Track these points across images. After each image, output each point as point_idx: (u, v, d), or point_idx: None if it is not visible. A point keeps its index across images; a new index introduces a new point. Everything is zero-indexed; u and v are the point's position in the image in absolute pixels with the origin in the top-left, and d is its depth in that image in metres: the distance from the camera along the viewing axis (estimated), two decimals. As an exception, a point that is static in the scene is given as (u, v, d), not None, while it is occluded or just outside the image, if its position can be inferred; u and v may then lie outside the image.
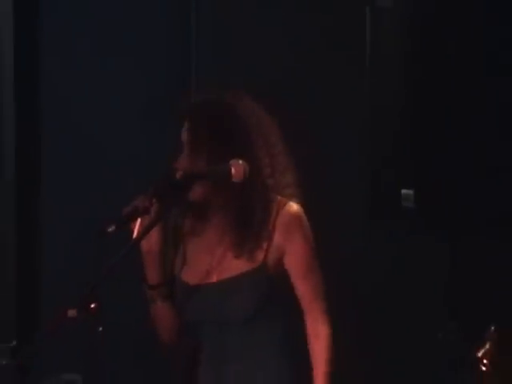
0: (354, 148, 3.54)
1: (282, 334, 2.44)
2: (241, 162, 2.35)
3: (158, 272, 2.41)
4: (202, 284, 2.43)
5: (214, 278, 2.43)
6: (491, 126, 3.28)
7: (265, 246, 2.40)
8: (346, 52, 3.54)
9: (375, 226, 3.48)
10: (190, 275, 2.45)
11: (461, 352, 2.86)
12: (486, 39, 3.27)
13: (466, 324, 3.15)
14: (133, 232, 2.29)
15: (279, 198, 2.43)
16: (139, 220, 2.29)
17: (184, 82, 3.72)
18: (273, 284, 2.40)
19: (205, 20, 3.75)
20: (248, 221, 2.39)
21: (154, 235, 2.36)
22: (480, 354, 2.63)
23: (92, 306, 2.05)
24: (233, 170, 2.34)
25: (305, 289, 2.41)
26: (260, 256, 2.40)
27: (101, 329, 2.06)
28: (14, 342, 2.49)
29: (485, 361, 2.63)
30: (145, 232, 2.27)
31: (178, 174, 2.41)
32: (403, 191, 3.33)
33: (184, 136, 2.43)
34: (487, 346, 2.64)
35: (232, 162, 2.35)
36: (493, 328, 2.67)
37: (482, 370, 2.64)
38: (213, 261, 2.44)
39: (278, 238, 2.40)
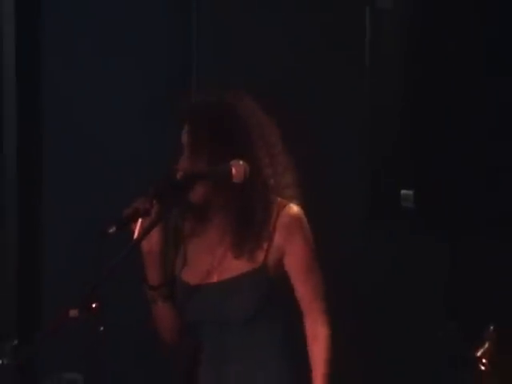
0: (353, 148, 3.53)
1: (282, 335, 2.44)
2: (241, 162, 2.35)
3: (158, 273, 2.42)
4: (202, 284, 2.44)
5: (215, 279, 2.43)
6: (491, 126, 3.28)
7: (265, 246, 2.41)
8: (345, 52, 3.53)
9: (375, 226, 3.47)
10: (191, 275, 2.46)
11: (460, 351, 2.86)
12: (485, 39, 3.26)
13: (465, 324, 3.15)
14: (133, 233, 2.29)
15: (280, 199, 2.43)
16: (140, 220, 2.29)
17: (185, 82, 3.72)
18: (273, 285, 2.41)
19: (205, 20, 3.75)
20: (248, 221, 2.40)
21: (155, 236, 2.37)
22: (479, 354, 2.64)
23: (93, 305, 2.05)
24: (233, 171, 2.35)
25: (304, 290, 2.42)
26: (260, 257, 2.40)
27: (102, 328, 2.06)
28: (15, 342, 2.50)
29: (484, 360, 2.63)
30: (145, 232, 2.28)
31: (179, 175, 2.41)
32: (403, 191, 3.33)
33: (184, 138, 2.44)
34: (486, 346, 2.64)
35: (232, 162, 2.35)
36: (492, 327, 2.67)
37: (481, 370, 2.64)
38: (213, 261, 2.45)
39: (278, 239, 2.41)
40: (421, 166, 3.34)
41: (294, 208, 2.43)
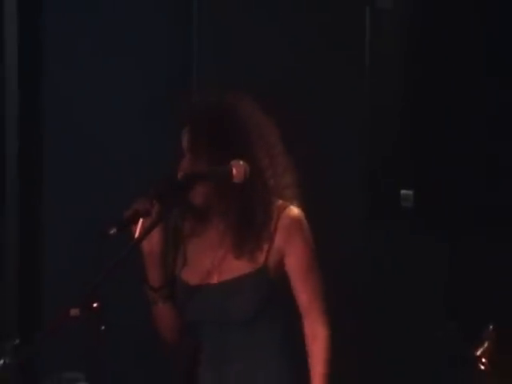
0: (353, 148, 3.53)
1: (282, 334, 2.45)
2: (242, 162, 2.36)
3: (159, 273, 2.42)
4: (202, 284, 2.44)
5: (215, 279, 2.44)
6: (491, 126, 3.28)
7: (266, 247, 2.41)
8: (345, 52, 3.53)
9: (374, 226, 3.48)
10: (191, 275, 2.47)
11: (460, 351, 2.87)
12: (485, 39, 3.27)
13: (465, 324, 3.15)
14: (134, 233, 2.30)
15: (280, 201, 2.44)
16: (141, 220, 2.30)
17: (185, 82, 3.72)
18: (273, 286, 2.42)
19: (206, 20, 3.76)
20: (249, 222, 2.41)
21: (156, 236, 2.38)
22: (479, 353, 2.64)
23: (94, 305, 2.06)
24: (234, 171, 2.36)
25: (304, 290, 2.42)
26: (261, 258, 2.41)
27: (103, 328, 2.07)
28: (17, 341, 2.50)
29: (483, 360, 2.64)
30: (146, 232, 2.28)
31: (179, 175, 2.42)
32: (403, 191, 3.34)
33: (185, 140, 2.44)
34: (486, 345, 2.65)
35: (233, 162, 2.36)
36: (491, 327, 2.68)
37: (480, 369, 2.65)
38: (213, 261, 2.45)
39: (278, 240, 2.42)
40: (420, 166, 3.35)
41: (295, 210, 2.44)
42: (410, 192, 3.32)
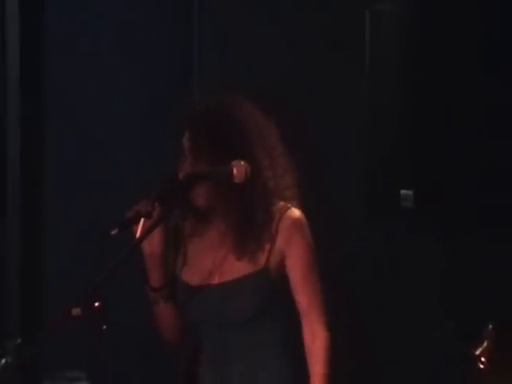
0: (352, 148, 3.53)
1: (283, 334, 2.46)
2: (242, 162, 2.37)
3: (160, 274, 2.44)
4: (203, 285, 2.45)
5: (216, 280, 2.45)
6: (491, 126, 3.28)
7: (267, 248, 2.42)
8: (345, 52, 3.53)
9: (373, 226, 3.48)
10: (191, 275, 2.48)
11: (458, 350, 2.88)
12: (486, 39, 3.27)
13: (463, 324, 3.15)
14: (135, 234, 2.31)
15: (282, 203, 2.45)
16: (142, 220, 2.31)
17: (186, 82, 3.73)
18: (274, 287, 2.42)
19: (206, 20, 3.76)
20: (249, 222, 2.42)
21: (156, 237, 2.39)
22: (478, 352, 2.66)
23: (96, 304, 2.07)
24: (235, 171, 2.37)
25: (304, 291, 2.43)
26: (262, 259, 2.42)
27: (105, 327, 2.08)
28: (19, 341, 2.51)
29: (482, 358, 2.65)
30: (147, 232, 2.29)
31: (181, 175, 2.43)
32: (402, 191, 3.34)
33: (185, 144, 2.46)
34: (485, 344, 2.66)
35: (234, 162, 2.37)
36: (490, 326, 2.69)
37: (479, 368, 2.66)
38: (214, 262, 2.46)
39: (280, 241, 2.42)
40: (420, 166, 3.35)
41: (296, 211, 2.45)
42: (410, 192, 3.33)
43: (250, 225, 2.42)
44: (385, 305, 3.51)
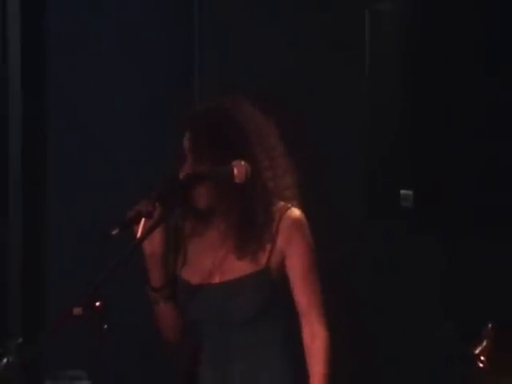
0: (352, 148, 3.54)
1: (284, 334, 2.46)
2: (243, 163, 2.38)
3: (160, 274, 2.44)
4: (204, 284, 2.46)
5: (217, 279, 2.45)
6: (491, 125, 3.29)
7: (268, 248, 2.43)
8: (345, 52, 3.54)
9: (373, 226, 3.48)
10: (192, 275, 2.48)
11: (458, 350, 2.88)
12: (486, 39, 3.27)
13: (463, 324, 3.15)
14: (136, 234, 2.32)
15: (282, 203, 2.45)
16: (143, 220, 2.31)
17: (186, 82, 3.73)
18: (275, 287, 2.43)
19: (207, 20, 3.76)
20: (250, 222, 2.42)
21: (157, 237, 2.40)
22: (477, 351, 2.66)
23: (97, 304, 2.08)
24: (235, 171, 2.38)
25: (303, 291, 2.43)
26: (263, 259, 2.42)
27: (106, 327, 2.09)
28: (20, 340, 2.52)
29: (482, 357, 2.66)
30: (148, 232, 2.30)
31: (181, 175, 2.44)
32: (402, 191, 3.34)
33: (186, 144, 2.46)
34: (484, 343, 2.67)
35: (234, 162, 2.38)
36: (490, 325, 2.70)
37: (479, 367, 2.66)
38: (215, 261, 2.47)
39: (280, 241, 2.43)
40: (420, 166, 3.35)
41: (297, 211, 2.46)
42: (410, 192, 3.33)
43: (250, 225, 2.42)
44: (385, 305, 3.51)
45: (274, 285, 2.43)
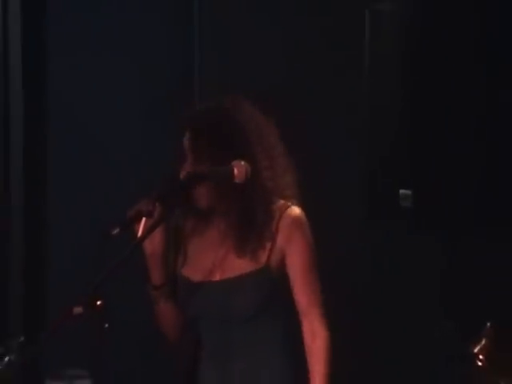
0: (352, 148, 3.54)
1: (284, 332, 2.47)
2: (243, 162, 2.39)
3: (161, 273, 2.45)
4: (204, 282, 2.46)
5: (217, 277, 2.46)
6: (491, 126, 3.29)
7: (268, 247, 2.43)
8: (344, 53, 3.54)
9: (373, 225, 3.48)
10: (192, 273, 2.49)
11: (458, 350, 2.88)
12: (486, 39, 3.27)
13: (463, 324, 3.16)
14: (136, 233, 2.32)
15: (282, 201, 2.46)
16: (143, 219, 2.32)
17: (186, 82, 3.74)
18: (275, 285, 2.44)
19: (207, 20, 3.77)
20: (250, 221, 2.43)
21: (157, 236, 2.40)
22: (476, 350, 2.66)
23: (97, 303, 2.08)
24: (235, 171, 2.38)
25: (303, 290, 2.44)
26: (263, 257, 2.43)
27: (106, 326, 2.09)
28: (21, 339, 2.53)
29: (481, 356, 2.66)
30: (149, 231, 2.30)
31: (182, 175, 2.45)
32: (401, 191, 3.34)
33: (186, 144, 2.47)
34: (483, 343, 2.67)
35: (234, 162, 2.39)
36: (489, 324, 2.70)
37: (478, 366, 2.67)
38: (215, 259, 2.47)
39: (280, 239, 2.44)
40: (419, 166, 3.35)
41: (297, 210, 2.46)
42: (409, 192, 3.33)
43: (250, 225, 2.43)
44: (385, 305, 3.51)
45: (274, 283, 2.43)
